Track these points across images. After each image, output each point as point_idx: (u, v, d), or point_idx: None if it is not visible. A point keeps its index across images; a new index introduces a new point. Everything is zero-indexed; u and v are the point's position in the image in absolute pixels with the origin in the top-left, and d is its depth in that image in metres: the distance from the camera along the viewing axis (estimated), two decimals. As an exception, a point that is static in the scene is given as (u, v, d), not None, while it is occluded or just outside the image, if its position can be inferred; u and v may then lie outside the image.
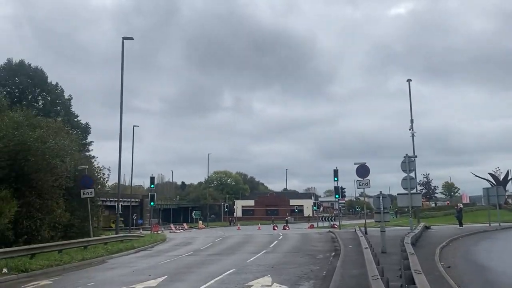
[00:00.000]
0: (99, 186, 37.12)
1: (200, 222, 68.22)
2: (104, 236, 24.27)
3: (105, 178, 32.41)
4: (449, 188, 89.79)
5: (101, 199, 79.28)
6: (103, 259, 19.69)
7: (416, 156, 29.04)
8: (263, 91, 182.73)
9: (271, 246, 23.99)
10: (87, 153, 44.64)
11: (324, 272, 13.39)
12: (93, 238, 22.80)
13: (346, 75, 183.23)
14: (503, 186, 55.33)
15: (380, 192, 16.79)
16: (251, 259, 17.57)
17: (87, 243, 21.32)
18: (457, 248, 18.95)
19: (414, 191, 29.86)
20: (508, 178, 69.75)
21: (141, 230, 53.56)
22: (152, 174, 44.74)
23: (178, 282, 12.50)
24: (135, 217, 74.23)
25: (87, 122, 42.85)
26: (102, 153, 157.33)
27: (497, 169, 75.59)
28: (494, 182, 70.59)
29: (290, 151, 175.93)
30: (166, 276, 13.59)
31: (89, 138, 45.30)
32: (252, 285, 11.48)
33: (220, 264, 16.40)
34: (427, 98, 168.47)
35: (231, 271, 14.34)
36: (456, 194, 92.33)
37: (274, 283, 11.60)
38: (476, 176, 78.14)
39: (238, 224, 63.62)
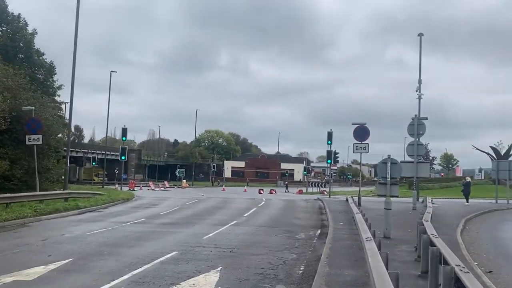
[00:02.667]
0: (61, 135, 32.52)
1: (184, 181, 64.21)
2: (41, 192, 19.88)
3: (58, 127, 27.74)
4: (448, 159, 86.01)
5: (80, 150, 74.37)
6: (25, 221, 15.34)
7: (426, 118, 24.39)
8: (260, 52, 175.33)
9: (245, 215, 19.74)
10: (55, 98, 39.83)
11: (302, 268, 9.04)
12: (21, 194, 18.30)
13: (345, 41, 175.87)
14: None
15: (388, 155, 12.29)
16: (210, 235, 13.24)
17: (9, 200, 16.80)
18: (480, 234, 14.72)
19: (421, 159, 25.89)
20: (510, 153, 65.90)
21: (117, 185, 49.43)
22: (124, 125, 39.94)
23: (74, 274, 8.11)
24: (117, 172, 70.26)
25: (52, 61, 37.38)
26: (93, 105, 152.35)
27: (499, 142, 71.76)
28: (494, 156, 66.87)
29: (285, 115, 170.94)
30: (70, 260, 9.24)
31: (62, 83, 39.82)
32: (183, 289, 7.13)
33: (164, 242, 12.06)
34: (425, 70, 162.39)
35: (169, 255, 9.98)
36: (454, 167, 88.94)
37: (218, 288, 7.25)
38: (476, 149, 74.32)
39: (224, 186, 59.74)
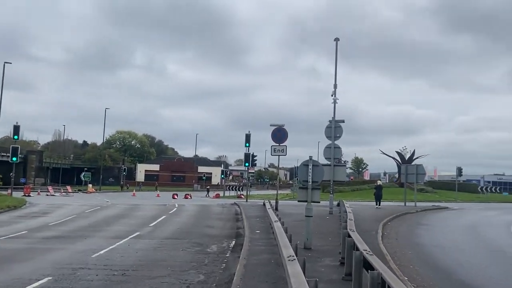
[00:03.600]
0: None
1: (90, 185, 59.22)
2: None
3: None
4: (358, 164, 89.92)
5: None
6: None
7: (343, 121, 24.04)
8: (178, 54, 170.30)
9: (152, 224, 17.50)
10: None
11: (209, 296, 7.31)
12: None
13: (262, 47, 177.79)
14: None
15: (310, 157, 11.03)
16: (102, 252, 10.97)
17: None
18: (400, 241, 14.08)
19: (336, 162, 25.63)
20: (414, 158, 70.27)
21: (9, 191, 43.74)
22: (17, 123, 34.96)
23: None
24: (12, 176, 62.92)
25: None
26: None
27: (404, 148, 76.24)
28: (399, 160, 70.80)
29: (203, 117, 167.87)
30: None
31: None
32: None
33: (39, 263, 9.61)
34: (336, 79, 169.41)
35: (38, 284, 7.68)
36: (363, 171, 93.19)
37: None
38: (384, 153, 78.49)
39: (134, 190, 56.02)
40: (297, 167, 58.07)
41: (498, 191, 66.76)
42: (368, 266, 5.87)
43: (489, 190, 60.76)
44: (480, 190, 59.97)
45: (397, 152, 74.90)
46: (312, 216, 11.20)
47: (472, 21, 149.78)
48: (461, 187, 56.17)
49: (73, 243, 12.50)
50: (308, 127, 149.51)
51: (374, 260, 5.64)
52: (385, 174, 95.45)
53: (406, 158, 70.02)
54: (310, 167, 10.83)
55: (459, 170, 50.14)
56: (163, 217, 20.57)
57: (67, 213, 21.74)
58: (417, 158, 69.86)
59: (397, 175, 74.44)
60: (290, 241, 8.62)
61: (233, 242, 13.27)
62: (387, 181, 79.01)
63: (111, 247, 11.70)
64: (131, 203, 30.88)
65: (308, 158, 11.03)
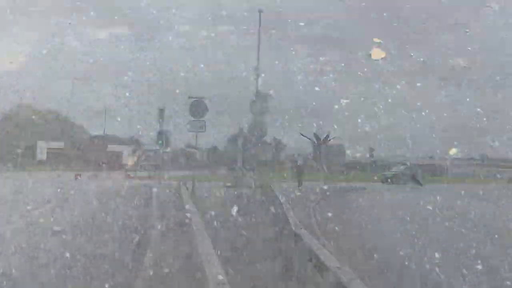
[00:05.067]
0: None
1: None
2: None
3: None
4: (277, 144, 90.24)
5: None
6: None
7: (270, 94, 22.10)
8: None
9: None
10: None
11: None
12: None
13: (177, 22, 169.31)
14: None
15: (241, 129, 8.51)
16: None
17: None
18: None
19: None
20: (328, 139, 71.96)
21: None
22: None
23: None
24: None
25: None
26: None
27: (319, 129, 77.82)
28: (315, 141, 71.80)
29: (115, 94, 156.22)
30: None
31: None
32: None
33: None
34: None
35: None
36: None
37: None
38: (303, 136, 79.40)
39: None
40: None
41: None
42: None
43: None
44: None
45: (314, 134, 76.09)
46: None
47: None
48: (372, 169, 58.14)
49: None
50: (227, 108, 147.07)
51: None
52: (299, 155, 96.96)
53: (322, 139, 71.44)
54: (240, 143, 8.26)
55: (371, 151, 51.26)
56: None
57: None
58: (330, 139, 71.93)
59: (310, 156, 75.89)
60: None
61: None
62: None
63: None
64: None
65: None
